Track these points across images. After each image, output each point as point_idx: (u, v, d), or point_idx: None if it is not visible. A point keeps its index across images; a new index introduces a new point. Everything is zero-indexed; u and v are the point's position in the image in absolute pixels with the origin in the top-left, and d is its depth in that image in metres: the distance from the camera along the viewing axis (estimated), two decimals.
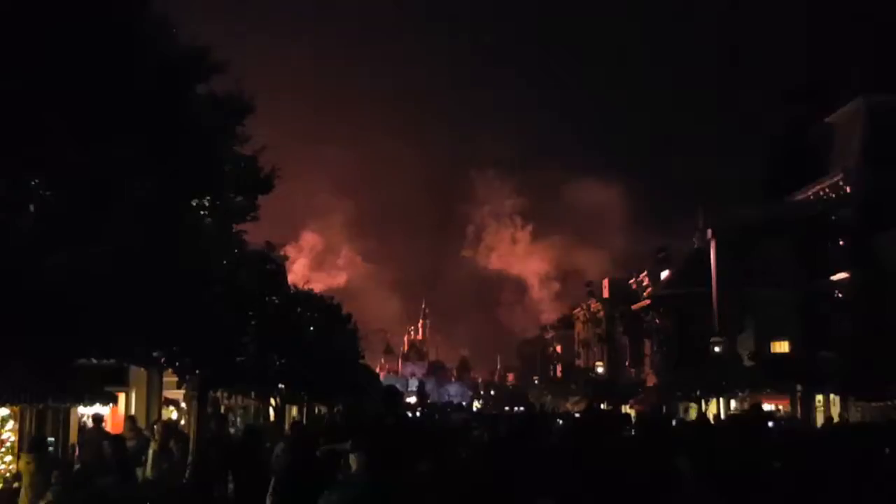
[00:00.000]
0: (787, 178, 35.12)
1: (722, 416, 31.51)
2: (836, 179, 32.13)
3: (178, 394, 22.72)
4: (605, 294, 62.35)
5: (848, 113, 33.24)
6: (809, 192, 33.56)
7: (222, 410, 24.30)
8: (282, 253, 22.55)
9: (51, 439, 15.10)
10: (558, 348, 72.19)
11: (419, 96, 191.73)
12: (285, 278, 25.54)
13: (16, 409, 13.83)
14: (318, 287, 38.29)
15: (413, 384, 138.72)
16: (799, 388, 31.83)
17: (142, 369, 17.92)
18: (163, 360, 14.27)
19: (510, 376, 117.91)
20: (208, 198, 12.16)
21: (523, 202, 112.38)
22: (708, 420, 19.97)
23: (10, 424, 14.48)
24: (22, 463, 10.67)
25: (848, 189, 31.56)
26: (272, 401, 28.39)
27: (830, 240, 30.91)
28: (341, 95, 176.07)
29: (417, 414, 48.22)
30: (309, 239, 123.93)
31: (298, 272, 36.76)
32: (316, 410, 37.94)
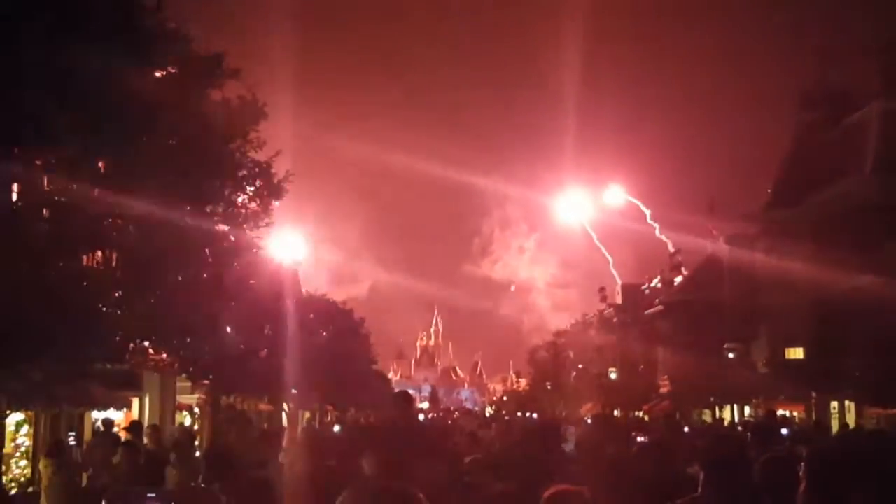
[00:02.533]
0: (801, 183, 34.93)
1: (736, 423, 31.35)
2: (850, 184, 31.94)
3: (191, 399, 22.79)
4: (619, 300, 62.19)
5: (863, 117, 33.05)
6: (824, 198, 33.36)
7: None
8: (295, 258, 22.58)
9: (72, 441, 15.12)
10: (571, 354, 71.94)
11: (430, 102, 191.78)
12: (298, 284, 25.60)
13: (31, 413, 13.89)
14: (338, 297, 38.34)
15: (426, 390, 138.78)
16: (814, 394, 31.62)
17: (156, 374, 17.96)
18: (176, 364, 14.31)
19: (522, 382, 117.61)
20: (222, 204, 12.19)
21: (530, 208, 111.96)
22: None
23: (25, 429, 14.54)
24: (41, 466, 10.73)
25: (862, 194, 31.36)
26: (285, 405, 28.47)
27: (845, 245, 30.69)
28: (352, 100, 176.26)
29: (430, 417, 48.23)
30: (326, 250, 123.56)
31: (317, 283, 36.73)
32: (328, 416, 38.00)
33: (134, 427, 15.09)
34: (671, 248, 52.64)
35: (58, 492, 10.02)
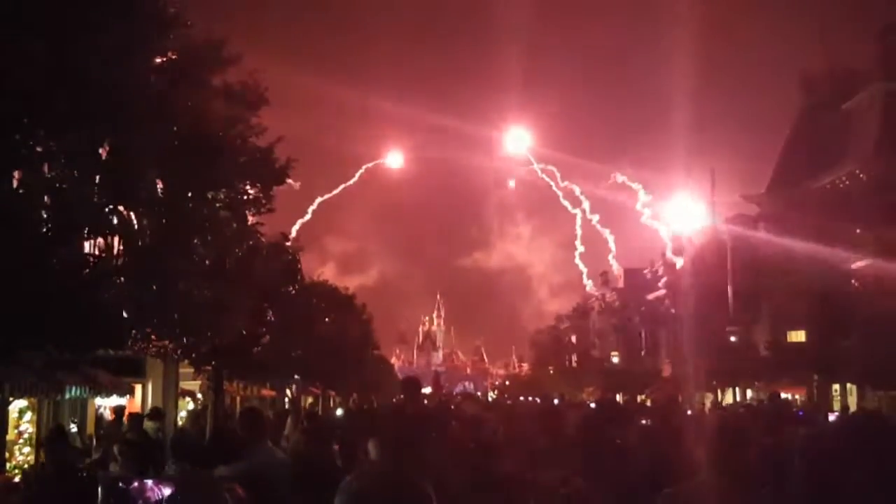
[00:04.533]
0: (803, 166, 34.90)
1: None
2: (852, 167, 31.90)
3: (194, 385, 22.83)
4: (621, 283, 62.24)
5: (864, 100, 32.96)
6: (826, 180, 33.32)
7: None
8: (296, 244, 22.54)
9: (73, 428, 15.14)
10: (573, 338, 72.07)
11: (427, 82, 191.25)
12: (300, 269, 25.59)
13: (33, 400, 13.92)
14: (347, 285, 38.39)
15: (428, 375, 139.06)
16: (815, 377, 31.68)
17: (158, 360, 17.97)
18: (179, 351, 14.30)
19: (525, 366, 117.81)
20: (223, 190, 12.16)
21: (529, 194, 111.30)
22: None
23: (28, 416, 14.58)
24: (43, 453, 10.72)
25: (864, 177, 31.32)
26: (287, 391, 28.55)
27: (847, 228, 30.69)
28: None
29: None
30: (334, 240, 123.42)
31: (327, 275, 36.52)
32: (331, 401, 38.09)
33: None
34: (664, 237, 52.56)
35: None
